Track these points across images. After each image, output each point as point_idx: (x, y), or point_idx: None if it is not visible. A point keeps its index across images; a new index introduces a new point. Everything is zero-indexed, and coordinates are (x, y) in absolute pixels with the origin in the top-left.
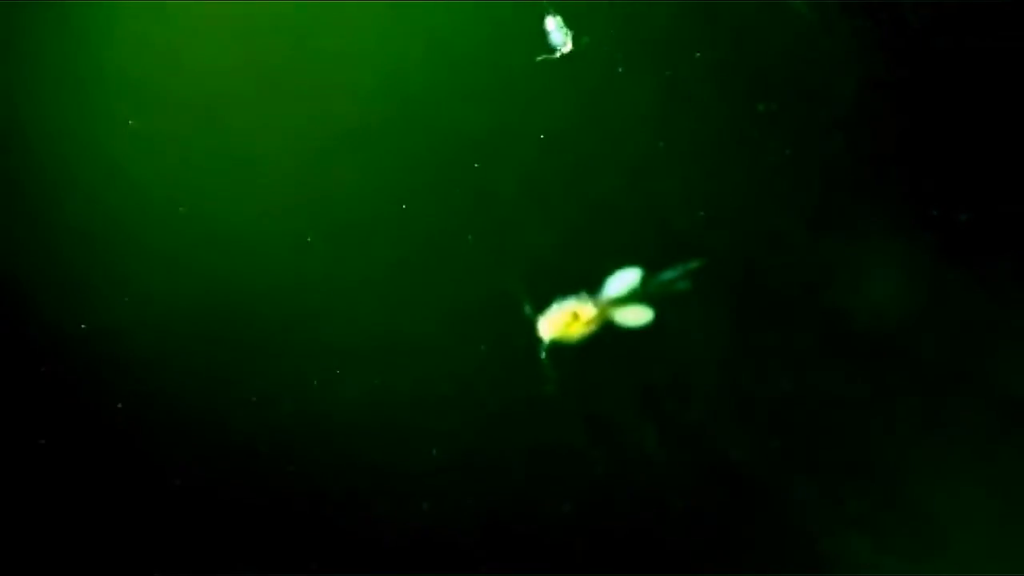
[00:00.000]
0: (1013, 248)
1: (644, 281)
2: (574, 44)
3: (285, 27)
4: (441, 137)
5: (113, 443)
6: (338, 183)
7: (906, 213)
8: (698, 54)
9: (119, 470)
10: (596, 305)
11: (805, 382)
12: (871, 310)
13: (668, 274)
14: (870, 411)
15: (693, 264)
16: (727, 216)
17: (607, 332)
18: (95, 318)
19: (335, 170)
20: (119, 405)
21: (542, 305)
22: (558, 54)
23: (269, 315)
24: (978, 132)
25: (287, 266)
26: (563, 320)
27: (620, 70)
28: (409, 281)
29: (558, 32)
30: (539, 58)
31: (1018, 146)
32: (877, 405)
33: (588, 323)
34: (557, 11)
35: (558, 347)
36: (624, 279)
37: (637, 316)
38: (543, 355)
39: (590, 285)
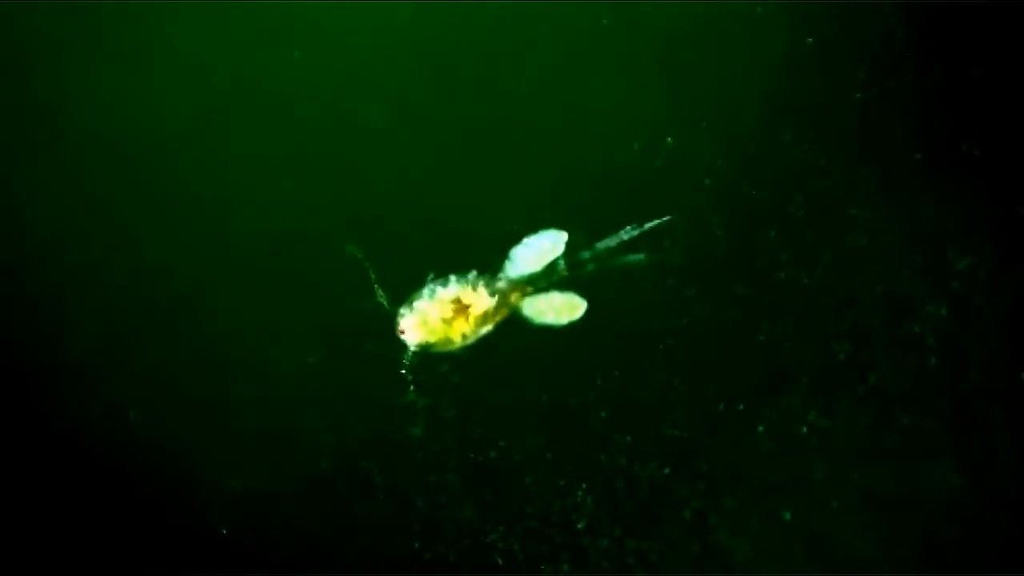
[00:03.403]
0: None
1: (571, 251)
2: None
3: None
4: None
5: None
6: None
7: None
8: None
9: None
10: (492, 290)
11: (814, 424)
12: (913, 303)
13: (611, 240)
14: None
15: (651, 223)
16: (710, 145)
17: (511, 333)
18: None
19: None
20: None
21: (405, 292)
22: None
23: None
24: None
25: None
26: (439, 315)
27: None
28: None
29: None
30: None
31: None
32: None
33: (479, 320)
34: None
35: (430, 358)
36: (539, 248)
37: (561, 307)
38: (406, 372)
39: (483, 259)
